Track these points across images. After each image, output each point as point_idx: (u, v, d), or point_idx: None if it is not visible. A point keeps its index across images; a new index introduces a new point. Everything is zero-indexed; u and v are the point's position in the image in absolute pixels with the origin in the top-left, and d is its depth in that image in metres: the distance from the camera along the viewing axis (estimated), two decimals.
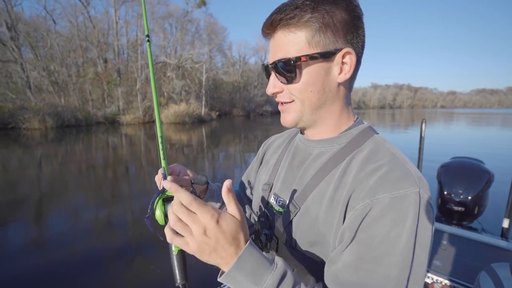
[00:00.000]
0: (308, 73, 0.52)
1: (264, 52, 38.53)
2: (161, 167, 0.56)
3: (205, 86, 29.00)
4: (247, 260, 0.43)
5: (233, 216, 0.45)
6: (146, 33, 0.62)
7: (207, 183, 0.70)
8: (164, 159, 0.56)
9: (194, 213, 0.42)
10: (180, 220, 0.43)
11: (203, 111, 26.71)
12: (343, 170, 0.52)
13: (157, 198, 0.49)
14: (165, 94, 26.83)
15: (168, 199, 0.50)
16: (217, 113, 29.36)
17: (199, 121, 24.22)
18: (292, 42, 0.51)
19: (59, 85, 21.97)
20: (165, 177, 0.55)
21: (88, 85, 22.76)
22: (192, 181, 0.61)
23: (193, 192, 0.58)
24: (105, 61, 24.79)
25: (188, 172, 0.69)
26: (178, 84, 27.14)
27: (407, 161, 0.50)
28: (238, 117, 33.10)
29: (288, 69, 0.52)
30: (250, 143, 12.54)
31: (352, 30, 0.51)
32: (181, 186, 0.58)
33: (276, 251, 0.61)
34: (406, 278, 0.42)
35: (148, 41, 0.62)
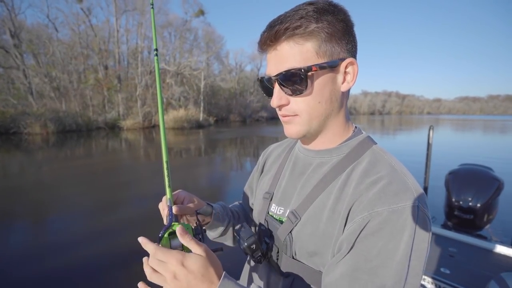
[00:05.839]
0: (317, 83, 0.51)
1: (260, 60, 38.53)
2: (165, 195, 0.54)
3: (203, 92, 29.62)
4: None
5: (199, 254, 0.46)
6: (154, 46, 0.59)
7: (211, 206, 0.72)
8: (169, 186, 0.53)
9: (164, 261, 0.44)
10: (155, 271, 0.45)
11: (201, 116, 27.19)
12: (344, 182, 0.53)
13: (165, 233, 0.50)
14: (165, 100, 27.31)
15: (174, 233, 0.51)
16: (215, 118, 29.68)
17: (197, 126, 24.62)
18: (299, 52, 0.50)
19: (60, 91, 22.35)
20: (170, 208, 0.54)
21: (89, 91, 23.17)
22: (197, 211, 0.64)
23: (198, 221, 0.60)
24: (106, 68, 25.32)
25: (193, 198, 0.68)
26: (177, 90, 27.64)
27: (405, 173, 0.51)
28: (234, 122, 33.45)
29: (297, 80, 0.50)
30: (246, 147, 12.82)
31: (350, 39, 0.53)
32: (186, 214, 0.64)
33: (277, 260, 0.61)
34: None
35: (156, 55, 0.59)
